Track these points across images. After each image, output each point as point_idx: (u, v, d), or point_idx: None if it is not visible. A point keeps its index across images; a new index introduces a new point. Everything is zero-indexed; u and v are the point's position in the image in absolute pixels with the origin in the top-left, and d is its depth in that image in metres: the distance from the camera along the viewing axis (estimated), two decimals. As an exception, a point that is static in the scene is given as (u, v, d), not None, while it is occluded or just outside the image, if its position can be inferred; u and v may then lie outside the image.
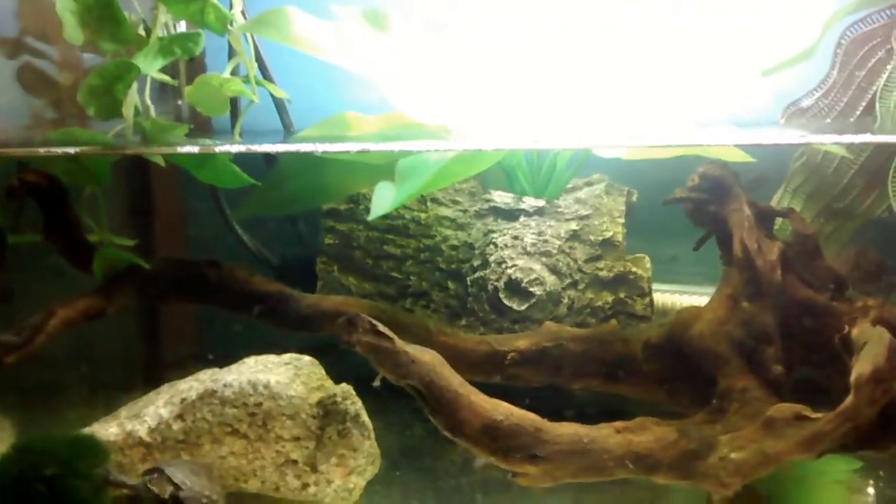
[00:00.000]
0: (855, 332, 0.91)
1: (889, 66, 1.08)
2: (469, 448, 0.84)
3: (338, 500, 0.87)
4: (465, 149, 0.91)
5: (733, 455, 0.83)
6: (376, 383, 0.85)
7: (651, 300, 1.05)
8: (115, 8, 1.01)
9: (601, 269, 1.04)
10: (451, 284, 1.06)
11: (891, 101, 1.07)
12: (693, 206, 0.98)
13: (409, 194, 0.88)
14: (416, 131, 0.99)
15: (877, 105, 1.08)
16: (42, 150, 0.87)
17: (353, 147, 0.90)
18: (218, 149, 0.92)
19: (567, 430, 0.85)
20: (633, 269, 1.04)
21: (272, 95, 1.16)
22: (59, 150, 0.86)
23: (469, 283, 1.04)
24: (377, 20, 1.08)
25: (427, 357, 0.84)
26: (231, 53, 1.19)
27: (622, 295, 1.04)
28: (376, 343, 0.81)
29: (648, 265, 1.05)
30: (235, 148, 0.93)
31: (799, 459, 0.81)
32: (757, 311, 0.92)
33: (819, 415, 0.81)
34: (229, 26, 1.00)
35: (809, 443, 0.80)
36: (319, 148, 0.85)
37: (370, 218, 0.87)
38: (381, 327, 0.81)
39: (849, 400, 0.79)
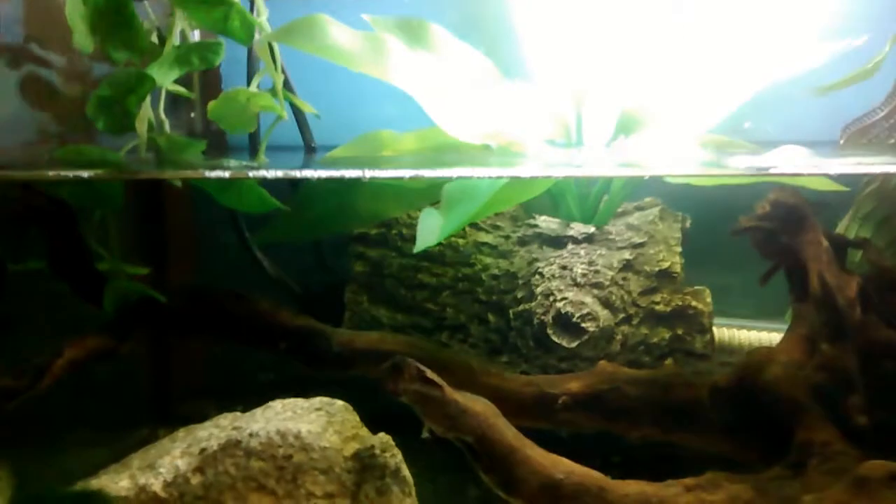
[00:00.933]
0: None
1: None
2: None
3: (375, 565, 0.78)
4: (520, 175, 0.83)
5: (825, 521, 0.74)
6: (425, 434, 0.76)
7: (712, 337, 0.96)
8: (129, 13, 0.93)
9: (657, 303, 0.96)
10: (491, 317, 0.97)
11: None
12: (763, 237, 0.90)
13: (459, 223, 0.79)
14: (457, 150, 0.91)
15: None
16: (51, 174, 0.78)
17: (406, 174, 0.81)
18: (252, 173, 0.83)
19: (633, 489, 0.77)
20: (693, 302, 0.96)
21: (293, 109, 1.08)
22: (71, 174, 0.77)
23: (512, 316, 0.95)
24: (414, 31, 1.00)
25: (479, 407, 0.75)
26: (252, 64, 1.11)
27: (680, 331, 0.96)
28: (425, 392, 0.72)
29: (709, 299, 0.96)
30: (279, 173, 0.84)
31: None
32: (838, 355, 0.84)
33: (921, 475, 0.73)
34: (256, 35, 0.92)
35: None
36: (368, 174, 0.76)
37: (416, 249, 0.78)
38: (430, 374, 0.73)
39: None
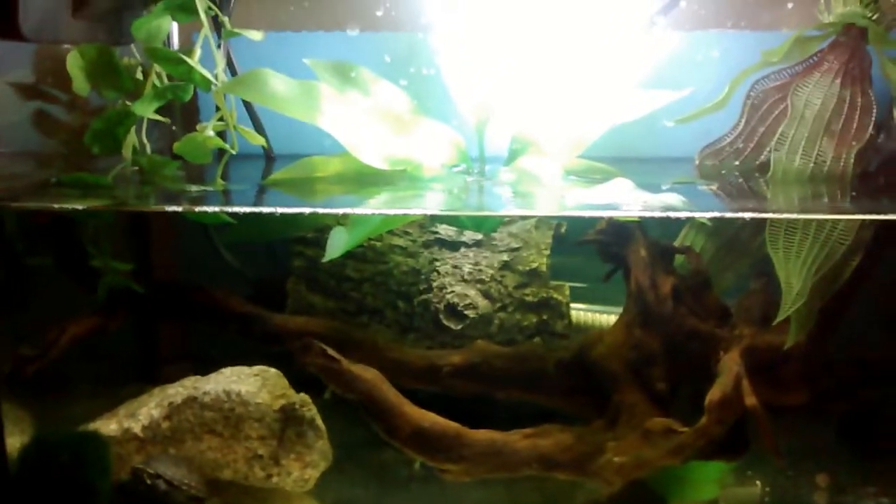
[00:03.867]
0: (727, 357, 1.10)
1: (784, 122, 1.25)
2: (402, 449, 1.04)
3: (296, 488, 1.07)
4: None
5: (616, 459, 1.02)
6: (326, 395, 1.04)
7: (570, 321, 1.24)
8: (115, 63, 1.19)
9: (527, 295, 1.23)
10: (401, 304, 1.25)
11: (782, 154, 1.24)
12: (601, 247, 1.17)
13: (358, 240, 1.07)
14: (374, 173, 1.16)
15: (772, 156, 1.25)
16: (56, 206, 1.05)
17: (305, 210, 1.07)
18: (199, 209, 1.10)
19: (483, 436, 1.05)
20: (555, 295, 1.23)
21: (253, 123, 1.34)
22: (69, 207, 1.04)
23: (416, 303, 1.23)
24: (344, 73, 1.25)
25: (368, 375, 1.03)
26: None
27: (545, 317, 1.23)
28: (326, 364, 1.00)
29: (567, 292, 1.24)
30: (211, 209, 1.11)
31: (668, 464, 1.01)
32: (646, 337, 1.11)
33: (684, 429, 1.00)
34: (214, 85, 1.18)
35: (675, 452, 1.00)
36: (279, 210, 1.03)
37: (324, 260, 1.05)
38: (330, 351, 1.00)
39: (703, 419, 0.98)
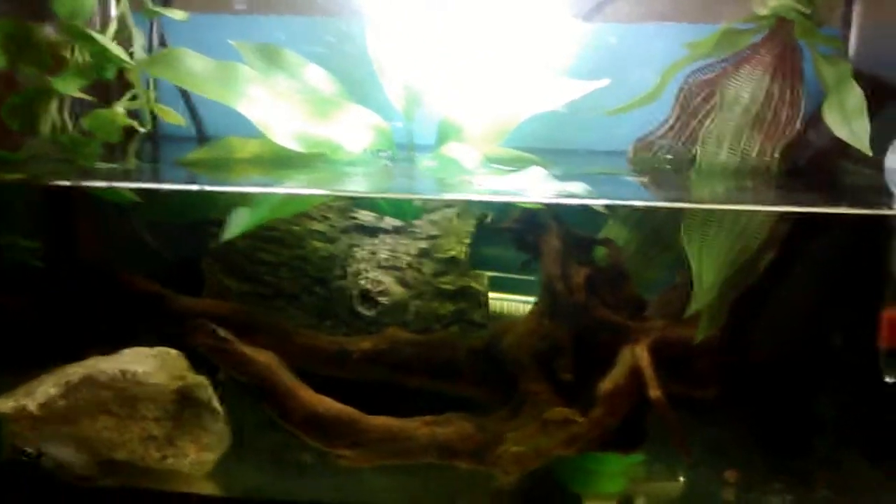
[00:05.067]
0: (628, 349, 1.09)
1: (712, 116, 1.23)
2: (296, 433, 1.02)
3: (193, 471, 1.05)
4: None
5: (514, 449, 1.01)
6: (220, 377, 1.03)
7: (488, 311, 1.22)
8: (33, 37, 1.17)
9: (445, 283, 1.21)
10: (318, 290, 1.23)
11: (710, 147, 1.22)
12: (515, 236, 1.15)
13: (258, 219, 1.05)
14: (289, 157, 1.15)
15: (698, 149, 1.23)
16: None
17: (198, 187, 1.06)
18: (87, 184, 1.09)
19: (380, 422, 1.03)
20: (472, 284, 1.21)
21: (185, 101, 1.33)
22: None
23: (332, 289, 1.21)
24: (271, 55, 1.24)
25: (263, 358, 1.01)
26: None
27: (463, 306, 1.21)
28: (216, 345, 0.98)
29: (486, 281, 1.22)
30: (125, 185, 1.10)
31: (563, 454, 0.99)
32: (555, 328, 1.09)
33: (580, 419, 0.99)
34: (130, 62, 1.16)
35: (570, 442, 0.98)
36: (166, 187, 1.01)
37: (223, 239, 1.04)
38: (222, 332, 0.99)
39: (596, 410, 0.96)
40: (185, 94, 1.35)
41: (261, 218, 1.07)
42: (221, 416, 1.05)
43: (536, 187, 1.05)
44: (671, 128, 1.28)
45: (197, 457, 1.04)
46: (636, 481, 1.11)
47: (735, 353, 1.13)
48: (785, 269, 1.12)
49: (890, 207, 1.10)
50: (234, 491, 1.09)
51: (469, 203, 1.25)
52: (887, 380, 0.89)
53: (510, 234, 1.14)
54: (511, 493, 1.04)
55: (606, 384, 0.96)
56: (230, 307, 1.15)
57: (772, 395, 1.12)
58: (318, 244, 1.24)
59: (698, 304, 1.07)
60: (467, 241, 1.23)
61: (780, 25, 1.19)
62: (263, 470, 1.09)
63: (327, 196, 1.23)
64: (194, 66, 1.13)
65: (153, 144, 1.33)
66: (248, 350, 1.00)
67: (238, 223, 1.04)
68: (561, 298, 1.09)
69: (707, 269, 1.09)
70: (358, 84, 1.25)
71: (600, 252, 1.19)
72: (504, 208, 1.20)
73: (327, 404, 1.01)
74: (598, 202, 1.07)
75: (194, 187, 1.05)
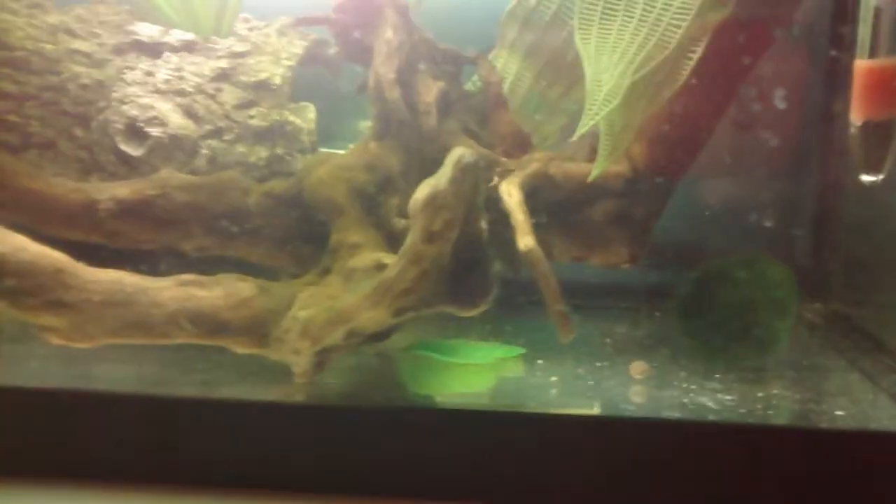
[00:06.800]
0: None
1: None
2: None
3: None
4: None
5: (301, 313, 0.66)
6: None
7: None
8: None
9: (253, 117, 0.87)
10: (79, 132, 0.88)
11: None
12: (337, 32, 0.81)
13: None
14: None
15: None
16: None
17: None
18: None
19: (106, 277, 0.68)
20: (292, 118, 0.87)
21: None
22: None
23: (93, 127, 0.86)
24: None
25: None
26: None
27: (279, 150, 0.87)
28: None
29: (312, 115, 0.88)
30: None
31: (373, 318, 0.64)
32: (384, 154, 0.75)
33: (391, 258, 0.64)
34: None
35: (379, 295, 0.63)
36: None
37: None
38: None
39: (408, 239, 0.61)
40: None
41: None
42: None
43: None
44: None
45: None
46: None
47: (655, 201, 0.80)
48: (728, 77, 0.79)
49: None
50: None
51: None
52: (864, 180, 0.57)
53: (333, 26, 0.80)
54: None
55: (418, 192, 0.61)
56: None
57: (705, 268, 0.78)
58: (80, 69, 0.89)
59: (592, 119, 0.74)
60: (288, 62, 0.88)
61: None
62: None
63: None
64: None
65: None
66: None
67: None
68: (393, 111, 0.75)
69: (606, 69, 0.75)
70: None
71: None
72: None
73: (19, 244, 0.66)
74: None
75: None
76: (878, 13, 0.56)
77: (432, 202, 0.59)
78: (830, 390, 0.73)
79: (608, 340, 0.85)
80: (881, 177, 0.58)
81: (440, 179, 0.59)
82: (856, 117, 0.56)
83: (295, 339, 0.66)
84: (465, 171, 0.59)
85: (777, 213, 1.01)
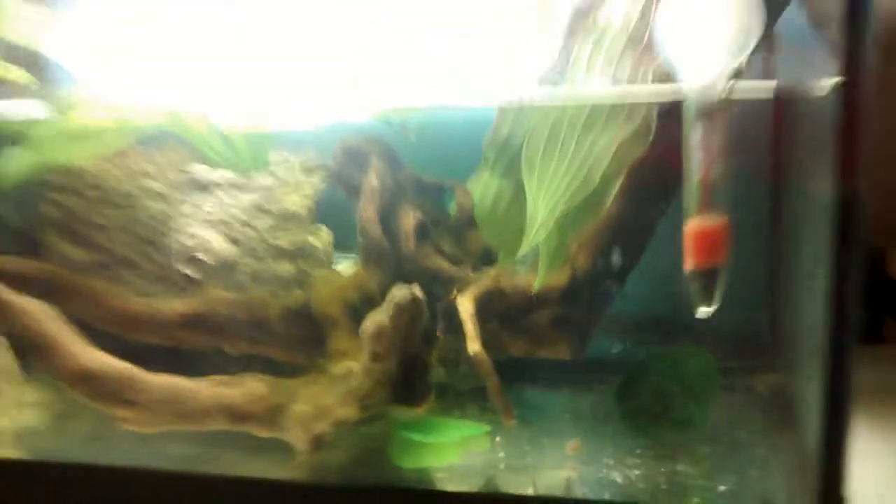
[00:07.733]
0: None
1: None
2: (70, 391, 0.92)
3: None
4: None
5: (299, 408, 0.88)
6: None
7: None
8: None
9: (280, 240, 1.10)
10: (152, 253, 1.14)
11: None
12: (337, 178, 1.03)
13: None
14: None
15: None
16: None
17: None
18: None
19: (161, 381, 0.92)
20: (311, 239, 1.09)
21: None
22: None
23: (162, 252, 1.12)
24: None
25: (31, 307, 0.92)
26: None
27: (302, 266, 1.10)
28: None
29: (328, 237, 1.10)
30: None
31: (347, 415, 0.86)
32: (369, 277, 0.96)
33: (355, 367, 0.86)
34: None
35: (349, 397, 0.85)
36: None
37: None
38: (-22, 279, 0.90)
39: (365, 358, 0.83)
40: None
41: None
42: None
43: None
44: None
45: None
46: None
47: (588, 306, 0.98)
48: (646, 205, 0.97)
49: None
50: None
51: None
52: (700, 313, 0.73)
53: (332, 176, 1.02)
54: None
55: (368, 324, 0.82)
56: (38, 266, 1.07)
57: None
58: (150, 203, 1.15)
59: (529, 244, 0.93)
60: (309, 192, 1.11)
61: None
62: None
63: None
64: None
65: None
66: (14, 298, 0.91)
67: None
68: (375, 245, 0.96)
69: (542, 202, 0.94)
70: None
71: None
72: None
73: (101, 359, 0.91)
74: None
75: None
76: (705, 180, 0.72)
77: (376, 332, 0.80)
78: (731, 466, 0.89)
79: (567, 416, 1.03)
80: (714, 307, 0.74)
81: (381, 315, 0.81)
82: (686, 266, 0.73)
83: (295, 427, 0.88)
84: (400, 309, 0.80)
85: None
